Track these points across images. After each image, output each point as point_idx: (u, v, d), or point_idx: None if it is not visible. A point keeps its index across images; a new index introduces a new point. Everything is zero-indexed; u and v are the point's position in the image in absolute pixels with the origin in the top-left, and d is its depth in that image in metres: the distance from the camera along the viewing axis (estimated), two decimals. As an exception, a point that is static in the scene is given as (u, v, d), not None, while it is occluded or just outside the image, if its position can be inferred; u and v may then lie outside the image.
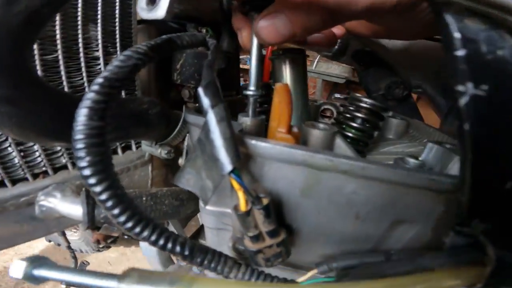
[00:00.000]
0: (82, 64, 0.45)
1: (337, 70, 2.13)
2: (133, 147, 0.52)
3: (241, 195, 0.22)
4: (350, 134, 0.38)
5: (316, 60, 2.16)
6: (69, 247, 0.92)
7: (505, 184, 0.17)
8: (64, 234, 0.91)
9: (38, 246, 1.47)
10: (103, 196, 0.19)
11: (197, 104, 0.59)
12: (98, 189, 0.19)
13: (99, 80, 0.21)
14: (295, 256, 0.34)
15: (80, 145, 0.19)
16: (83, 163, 0.19)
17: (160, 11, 0.28)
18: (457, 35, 0.15)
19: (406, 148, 0.44)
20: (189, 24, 0.60)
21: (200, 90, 0.23)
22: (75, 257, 0.94)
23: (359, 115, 0.37)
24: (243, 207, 0.22)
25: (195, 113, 0.34)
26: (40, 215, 0.45)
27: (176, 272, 0.22)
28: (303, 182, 0.25)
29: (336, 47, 0.64)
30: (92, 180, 0.19)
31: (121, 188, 0.20)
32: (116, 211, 0.20)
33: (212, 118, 0.22)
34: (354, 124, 0.38)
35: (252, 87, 0.30)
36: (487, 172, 0.17)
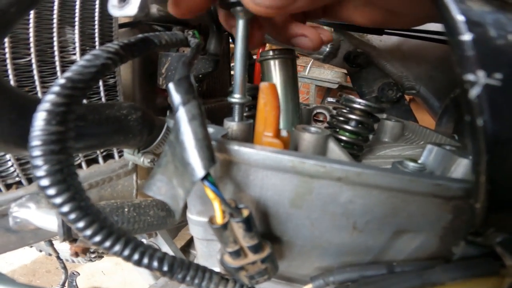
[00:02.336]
0: (58, 68, 0.42)
1: (330, 75, 2.13)
2: (116, 155, 0.49)
3: (216, 205, 0.19)
4: (344, 138, 0.36)
5: (309, 65, 2.16)
6: (58, 257, 0.89)
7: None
8: (52, 244, 0.88)
9: (29, 256, 1.43)
10: (65, 209, 0.17)
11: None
12: (58, 200, 0.17)
13: (61, 81, 0.19)
14: (290, 269, 0.31)
15: (37, 152, 0.17)
16: (40, 173, 0.17)
17: (132, 8, 0.26)
18: (460, 17, 0.13)
19: (403, 151, 0.42)
20: (175, 27, 0.58)
21: (171, 86, 0.20)
22: (65, 267, 0.92)
23: (353, 117, 0.35)
24: (219, 219, 0.19)
25: None
26: (14, 227, 0.42)
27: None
28: (293, 192, 0.22)
29: (328, 49, 0.63)
30: (51, 191, 0.17)
31: (86, 200, 0.19)
32: (81, 224, 0.18)
33: (182, 116, 0.19)
34: (348, 127, 0.36)
35: (236, 94, 0.28)
36: (506, 175, 0.14)
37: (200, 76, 0.52)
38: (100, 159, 0.47)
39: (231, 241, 0.21)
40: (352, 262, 0.27)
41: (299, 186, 0.22)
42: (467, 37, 0.13)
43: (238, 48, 0.27)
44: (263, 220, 0.26)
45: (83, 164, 0.45)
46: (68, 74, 0.20)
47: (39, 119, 0.18)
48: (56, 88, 0.19)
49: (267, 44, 0.78)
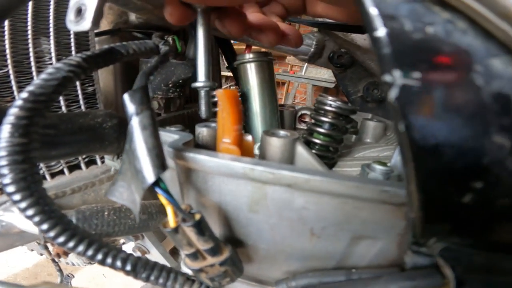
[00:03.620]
0: (35, 78, 0.43)
1: (327, 75, 2.12)
2: (98, 161, 0.49)
3: (169, 210, 0.20)
4: (318, 141, 0.36)
5: (305, 65, 2.16)
6: (53, 260, 0.90)
7: (462, 197, 0.14)
8: (46, 247, 0.89)
9: (31, 259, 1.46)
10: (29, 213, 0.19)
11: (165, 114, 0.57)
12: (23, 205, 0.19)
13: (23, 94, 0.20)
14: (260, 272, 0.31)
15: (2, 162, 0.19)
16: (6, 180, 0.19)
17: (86, 23, 0.26)
18: (373, 11, 0.12)
19: (382, 152, 0.41)
20: (155, 33, 0.58)
21: (126, 96, 0.21)
22: (60, 270, 0.93)
23: (325, 119, 0.35)
24: (171, 223, 0.20)
25: None
26: (0, 230, 0.43)
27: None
28: (249, 197, 0.22)
29: (312, 49, 0.63)
30: (16, 197, 0.19)
31: (50, 204, 0.20)
32: (44, 226, 0.19)
33: (135, 126, 0.20)
34: (321, 130, 0.36)
35: (201, 78, 0.27)
36: (437, 184, 0.14)
37: (180, 81, 0.52)
38: (83, 165, 0.47)
39: (185, 244, 0.21)
40: (317, 267, 0.26)
41: (254, 192, 0.22)
42: (380, 32, 0.12)
43: (199, 32, 0.27)
44: (226, 224, 0.26)
45: (65, 170, 0.46)
46: (30, 88, 0.21)
47: (5, 131, 0.19)
48: (18, 102, 0.20)
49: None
